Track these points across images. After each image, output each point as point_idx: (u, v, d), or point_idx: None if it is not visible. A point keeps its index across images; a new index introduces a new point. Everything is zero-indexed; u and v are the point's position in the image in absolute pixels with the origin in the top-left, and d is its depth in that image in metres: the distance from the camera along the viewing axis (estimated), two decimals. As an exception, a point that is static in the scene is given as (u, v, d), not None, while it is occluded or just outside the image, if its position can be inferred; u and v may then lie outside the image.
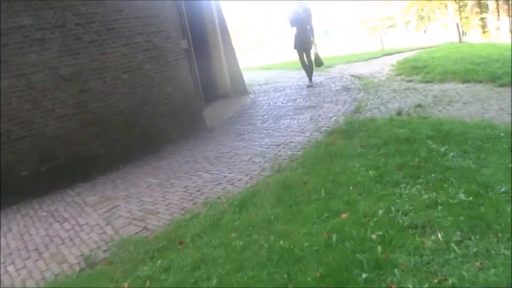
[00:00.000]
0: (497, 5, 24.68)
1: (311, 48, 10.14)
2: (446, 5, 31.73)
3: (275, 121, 7.51)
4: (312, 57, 10.23)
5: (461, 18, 29.27)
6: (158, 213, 4.39)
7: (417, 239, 2.98)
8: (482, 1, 27.57)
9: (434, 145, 4.82)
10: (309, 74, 10.38)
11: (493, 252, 2.70)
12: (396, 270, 2.65)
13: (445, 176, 3.97)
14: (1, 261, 3.89)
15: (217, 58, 10.85)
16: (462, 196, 3.52)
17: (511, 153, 4.24)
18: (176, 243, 3.62)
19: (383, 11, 37.80)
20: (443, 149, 4.66)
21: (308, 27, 9.98)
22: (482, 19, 27.98)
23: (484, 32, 27.55)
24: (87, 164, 6.01)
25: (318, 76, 11.33)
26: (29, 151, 5.57)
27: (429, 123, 5.71)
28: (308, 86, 10.15)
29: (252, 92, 10.89)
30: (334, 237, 3.15)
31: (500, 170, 3.89)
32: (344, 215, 3.53)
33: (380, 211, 3.45)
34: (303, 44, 10.15)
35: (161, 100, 7.05)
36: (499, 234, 2.86)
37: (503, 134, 4.78)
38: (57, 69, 5.76)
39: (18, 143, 5.50)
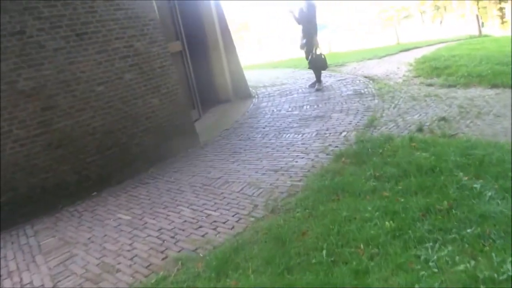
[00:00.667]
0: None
1: (316, 47, 9.16)
2: (463, -5, 30.43)
3: (277, 136, 6.56)
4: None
5: (478, 8, 27.92)
6: (118, 271, 3.49)
7: None
8: (501, -9, 26.27)
9: (466, 179, 3.87)
10: (317, 76, 9.41)
11: None
12: None
13: (484, 231, 3.03)
14: None
15: (217, 59, 9.90)
16: (510, 268, 2.59)
17: None
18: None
19: (397, 2, 36.52)
20: (477, 185, 3.71)
21: (312, 24, 9.02)
22: (501, 9, 26.63)
23: (502, 22, 26.22)
24: (54, 194, 5.14)
25: (328, 77, 10.35)
26: (-18, 181, 4.73)
27: (457, 145, 4.73)
28: (317, 90, 9.18)
29: (256, 96, 9.93)
30: None
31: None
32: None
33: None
34: (308, 43, 9.19)
35: (144, 113, 6.15)
36: None
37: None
38: (15, 84, 4.88)
39: (-32, 172, 4.66)
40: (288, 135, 6.48)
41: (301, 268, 3.00)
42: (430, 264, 2.79)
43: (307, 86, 9.69)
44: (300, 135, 6.33)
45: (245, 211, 4.16)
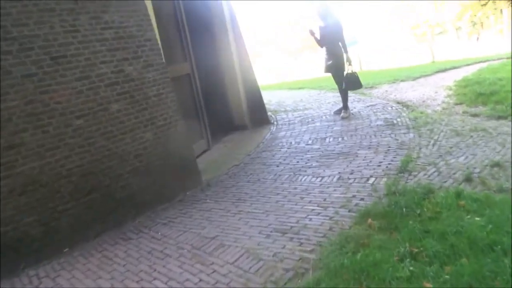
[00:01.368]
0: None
1: (344, 70, 8.10)
2: (501, 10, 28.74)
3: (291, 178, 5.51)
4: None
5: (517, 24, 26.27)
6: None
7: None
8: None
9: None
10: (344, 102, 8.33)
11: None
12: None
13: None
14: None
15: (232, 81, 8.94)
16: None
17: None
18: None
19: (432, 17, 34.98)
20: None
21: (339, 44, 7.98)
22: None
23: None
24: (15, 251, 4.23)
25: (356, 102, 9.26)
26: None
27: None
28: (343, 118, 8.11)
29: (275, 123, 8.91)
30: None
31: None
32: None
33: None
34: (334, 66, 8.17)
35: (133, 151, 5.21)
36: None
37: None
38: (-30, 118, 4.04)
39: None
40: (305, 177, 5.43)
41: None
42: None
43: (332, 113, 8.62)
44: (319, 179, 5.26)
45: (235, 298, 3.13)
